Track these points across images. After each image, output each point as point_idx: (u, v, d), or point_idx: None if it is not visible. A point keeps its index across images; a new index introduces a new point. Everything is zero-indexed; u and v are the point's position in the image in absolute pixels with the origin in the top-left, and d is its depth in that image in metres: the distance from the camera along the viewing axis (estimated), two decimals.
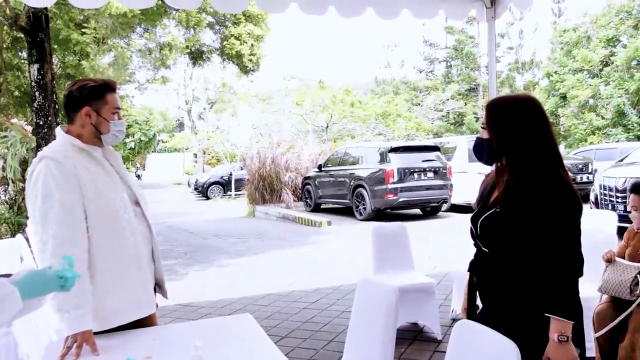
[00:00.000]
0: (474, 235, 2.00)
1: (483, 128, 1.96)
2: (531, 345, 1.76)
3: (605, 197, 8.29)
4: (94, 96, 2.13)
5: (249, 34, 13.46)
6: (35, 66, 6.72)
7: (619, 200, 7.96)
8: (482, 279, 2.00)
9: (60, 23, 9.30)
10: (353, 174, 12.83)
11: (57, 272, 1.59)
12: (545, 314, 1.77)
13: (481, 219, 1.93)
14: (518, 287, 1.84)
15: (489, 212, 1.91)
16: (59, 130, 2.16)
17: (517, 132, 1.86)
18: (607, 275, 3.05)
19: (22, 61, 9.42)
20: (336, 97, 22.58)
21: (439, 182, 12.22)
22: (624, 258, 3.12)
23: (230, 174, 21.98)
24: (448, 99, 29.14)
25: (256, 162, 15.68)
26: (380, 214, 12.28)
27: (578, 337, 1.82)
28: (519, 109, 1.90)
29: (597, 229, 4.13)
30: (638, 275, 2.86)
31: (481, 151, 1.97)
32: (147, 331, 2.13)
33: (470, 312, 2.08)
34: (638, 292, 2.84)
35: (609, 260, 3.07)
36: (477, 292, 2.04)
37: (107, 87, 2.17)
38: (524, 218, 1.80)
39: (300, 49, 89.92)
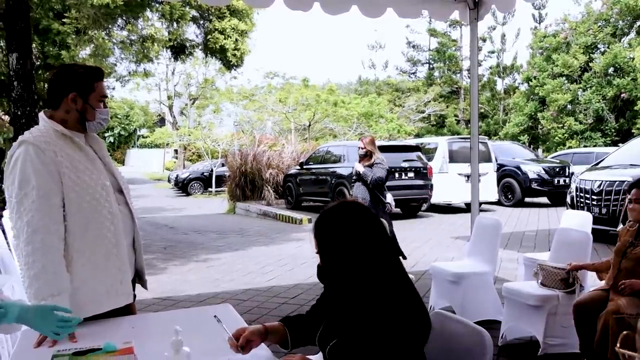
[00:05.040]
0: None
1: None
2: None
3: (581, 199, 8.46)
4: (82, 82, 2.11)
5: (233, 28, 13.38)
6: (14, 55, 6.59)
7: (594, 202, 8.13)
8: None
9: (40, 12, 9.15)
10: (335, 172, 12.85)
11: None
12: None
13: (327, 350, 1.71)
14: None
15: (332, 343, 1.69)
16: (42, 115, 2.12)
17: (343, 250, 1.70)
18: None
19: (1, 50, 9.25)
20: (320, 96, 22.56)
21: (420, 182, 12.29)
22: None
23: (211, 170, 21.84)
24: (430, 101, 29.34)
25: (238, 159, 15.63)
26: None
27: None
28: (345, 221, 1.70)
29: (574, 228, 4.25)
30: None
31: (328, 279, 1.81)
32: (125, 319, 2.11)
33: None
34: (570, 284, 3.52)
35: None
36: None
37: (95, 75, 2.15)
38: (364, 345, 1.58)
39: (285, 47, 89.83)
